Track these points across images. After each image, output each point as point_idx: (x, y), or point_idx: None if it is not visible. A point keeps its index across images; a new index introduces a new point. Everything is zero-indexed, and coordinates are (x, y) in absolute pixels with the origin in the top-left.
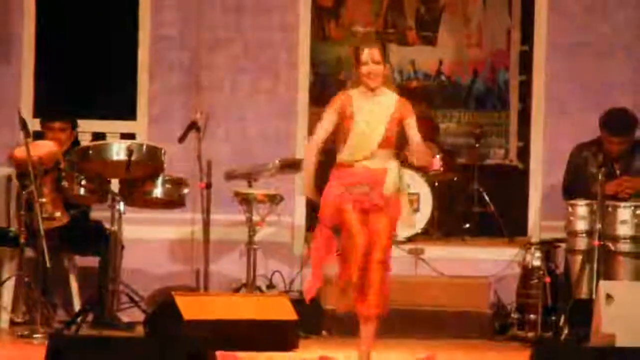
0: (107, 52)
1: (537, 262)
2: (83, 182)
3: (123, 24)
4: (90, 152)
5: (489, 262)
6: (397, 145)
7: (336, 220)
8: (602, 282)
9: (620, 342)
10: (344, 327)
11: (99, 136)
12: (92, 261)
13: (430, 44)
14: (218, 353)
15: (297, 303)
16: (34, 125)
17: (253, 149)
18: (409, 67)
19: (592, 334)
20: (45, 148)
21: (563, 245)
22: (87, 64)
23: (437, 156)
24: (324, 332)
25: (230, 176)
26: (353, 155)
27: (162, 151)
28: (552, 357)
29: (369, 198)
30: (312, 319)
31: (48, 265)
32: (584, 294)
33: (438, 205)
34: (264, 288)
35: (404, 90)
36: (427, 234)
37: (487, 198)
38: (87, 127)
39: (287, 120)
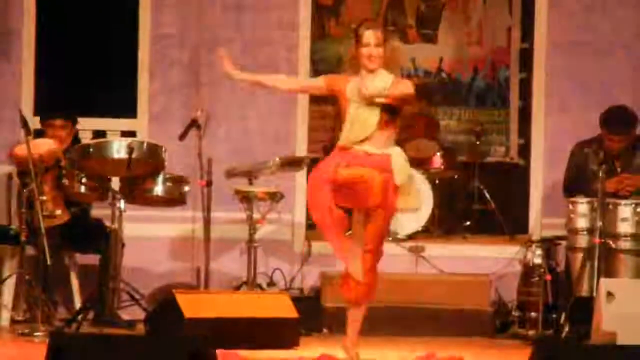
0: (107, 50)
1: (537, 260)
2: (84, 180)
3: (123, 22)
4: (91, 150)
5: (490, 259)
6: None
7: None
8: (602, 280)
9: (621, 340)
10: (345, 325)
11: (99, 134)
12: (93, 259)
13: (431, 42)
14: (219, 351)
15: (298, 301)
16: (35, 123)
17: (253, 147)
18: (409, 65)
19: (593, 332)
20: (45, 146)
21: (564, 242)
22: (88, 62)
23: (438, 154)
24: (324, 330)
25: (230, 174)
26: (351, 138)
27: (163, 149)
28: (553, 355)
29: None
30: (313, 316)
31: (49, 263)
32: (584, 291)
33: (439, 203)
34: (264, 286)
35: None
36: (428, 231)
37: (487, 196)
38: (87, 125)
39: (287, 118)
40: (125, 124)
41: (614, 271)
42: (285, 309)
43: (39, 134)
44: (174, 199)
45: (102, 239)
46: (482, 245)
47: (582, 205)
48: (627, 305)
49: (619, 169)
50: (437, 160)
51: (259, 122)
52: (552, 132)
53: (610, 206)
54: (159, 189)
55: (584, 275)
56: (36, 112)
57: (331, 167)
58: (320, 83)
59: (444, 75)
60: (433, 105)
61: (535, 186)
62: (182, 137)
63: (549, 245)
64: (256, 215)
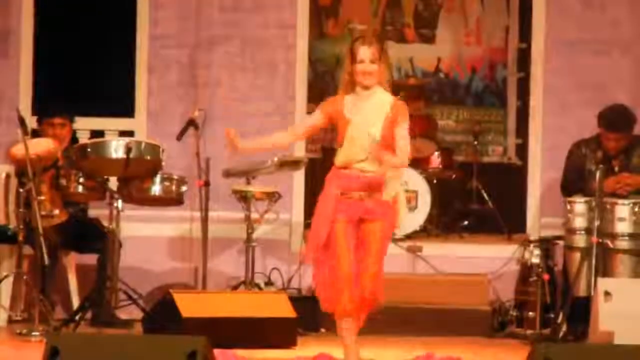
0: (105, 49)
1: (535, 260)
2: (81, 180)
3: (121, 22)
4: (89, 149)
5: (488, 259)
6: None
7: (327, 230)
8: (600, 280)
9: (619, 340)
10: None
11: (97, 133)
12: (91, 259)
13: (429, 42)
14: (216, 351)
15: (296, 300)
16: (33, 122)
17: None
18: (407, 65)
19: (591, 332)
20: (43, 146)
21: (561, 242)
22: (86, 61)
23: (436, 153)
24: (322, 330)
25: (228, 174)
26: (348, 158)
27: (161, 149)
28: (551, 354)
29: (364, 205)
30: (311, 316)
31: (46, 262)
32: (582, 291)
33: (436, 202)
34: (262, 285)
35: (403, 87)
36: (426, 231)
37: (485, 195)
38: (85, 125)
39: (285, 117)
40: (123, 123)
41: (612, 271)
42: (282, 308)
43: (36, 134)
44: (171, 199)
45: (100, 239)
46: (480, 245)
47: (580, 204)
48: (624, 304)
49: (616, 169)
50: (435, 160)
51: (257, 121)
52: (550, 131)
53: (608, 206)
54: (156, 189)
55: (582, 274)
56: (34, 111)
57: (331, 204)
58: (319, 118)
59: (441, 75)
60: (431, 105)
61: (533, 186)
62: (179, 136)
63: (546, 244)
64: (254, 215)
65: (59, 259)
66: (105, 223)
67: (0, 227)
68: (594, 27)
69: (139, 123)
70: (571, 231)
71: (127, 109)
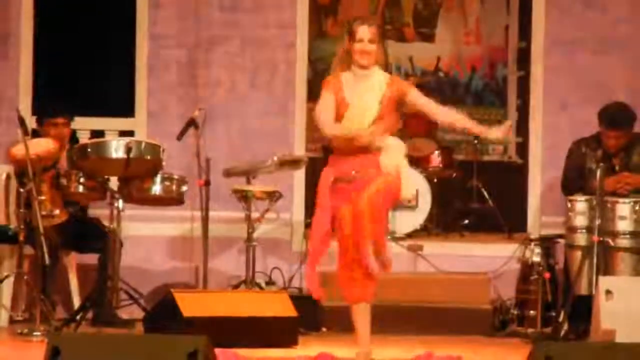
0: (105, 49)
1: (536, 258)
2: (82, 180)
3: (121, 22)
4: (89, 149)
5: (488, 258)
6: (394, 126)
7: (326, 221)
8: (601, 278)
9: (620, 338)
10: (344, 324)
11: (97, 133)
12: (91, 259)
13: (428, 41)
14: (217, 350)
15: (297, 299)
16: (33, 122)
17: (251, 146)
18: (407, 64)
19: (592, 330)
20: (43, 146)
21: (562, 241)
22: (85, 61)
23: (436, 152)
24: (323, 329)
25: (228, 173)
26: (345, 140)
27: (161, 148)
28: (552, 353)
29: (356, 182)
30: (312, 315)
31: (47, 262)
32: (583, 289)
33: (437, 201)
34: (263, 285)
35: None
36: (426, 230)
37: (486, 194)
38: (85, 125)
39: (285, 117)
40: (123, 123)
41: (613, 269)
42: (283, 308)
43: (36, 133)
44: (172, 199)
45: (101, 239)
46: (480, 244)
47: (581, 203)
48: (625, 303)
49: (617, 167)
50: (435, 159)
51: (257, 121)
52: (550, 130)
53: (609, 204)
54: (157, 189)
55: (583, 273)
56: (34, 111)
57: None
58: (333, 97)
59: (441, 74)
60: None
61: (533, 184)
62: (180, 136)
63: (547, 243)
64: (254, 214)
65: (59, 259)
66: (105, 223)
67: (0, 227)
68: (593, 26)
69: (139, 123)
70: (572, 230)
71: (127, 109)
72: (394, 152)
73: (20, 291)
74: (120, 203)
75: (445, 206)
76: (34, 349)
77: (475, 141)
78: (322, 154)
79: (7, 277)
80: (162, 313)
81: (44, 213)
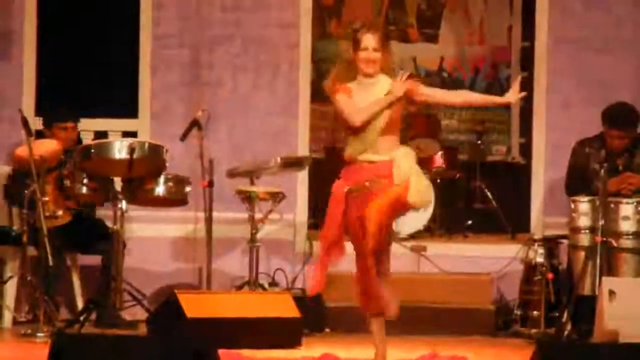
0: (108, 50)
1: (539, 259)
2: (85, 181)
3: (123, 22)
4: (92, 150)
5: (492, 258)
6: (402, 127)
7: (335, 232)
8: (604, 279)
9: (624, 338)
10: (347, 325)
11: (100, 134)
12: (95, 260)
13: (432, 41)
14: (221, 351)
15: (300, 300)
16: (36, 123)
17: (255, 147)
18: (410, 65)
19: (595, 330)
20: (47, 146)
21: (566, 241)
22: (88, 62)
23: (439, 153)
24: (327, 330)
25: (232, 174)
26: (356, 149)
27: (164, 149)
28: (556, 353)
29: (371, 192)
30: (315, 316)
31: (51, 264)
32: (586, 290)
33: (440, 202)
34: (266, 286)
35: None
36: (429, 231)
37: (489, 195)
38: (88, 126)
39: (289, 117)
40: (126, 124)
41: (616, 270)
42: (287, 308)
43: (40, 134)
44: (175, 199)
45: (104, 240)
46: (484, 244)
47: (584, 203)
48: (629, 303)
49: (620, 168)
50: (439, 160)
51: (260, 121)
52: (553, 130)
53: (612, 205)
54: (160, 190)
55: (586, 273)
56: (37, 112)
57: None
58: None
59: (445, 74)
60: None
61: (536, 185)
62: (183, 137)
63: (550, 244)
64: (258, 215)
65: (63, 260)
66: (109, 224)
67: (4, 228)
68: (596, 25)
69: (142, 124)
70: (575, 230)
71: (130, 110)
72: (405, 162)
73: (24, 292)
74: (123, 204)
75: (449, 207)
76: (37, 350)
77: (479, 142)
78: (325, 155)
79: (10, 278)
80: (166, 314)
81: (47, 214)
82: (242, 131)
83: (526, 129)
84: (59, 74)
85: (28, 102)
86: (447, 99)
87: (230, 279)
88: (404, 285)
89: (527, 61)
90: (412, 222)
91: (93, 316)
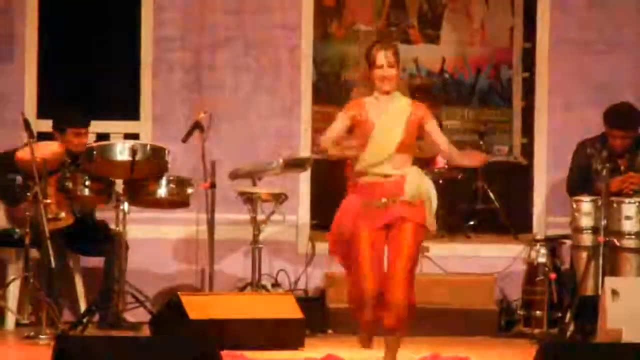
0: (109, 52)
1: (542, 259)
2: (87, 183)
3: (125, 24)
4: (94, 152)
5: (494, 259)
6: (414, 149)
7: (348, 246)
8: (607, 278)
9: (627, 338)
10: (350, 326)
11: (102, 137)
12: (98, 262)
13: (433, 42)
14: (224, 352)
15: (303, 301)
16: (38, 125)
17: (257, 148)
18: (412, 65)
19: (598, 330)
20: (49, 149)
21: (568, 241)
22: (90, 64)
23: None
24: (329, 331)
25: (234, 175)
26: (370, 162)
27: (166, 151)
28: (559, 354)
29: (390, 212)
30: (318, 317)
31: (53, 266)
32: (589, 290)
33: (442, 202)
34: (269, 287)
35: (408, 88)
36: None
37: (491, 195)
38: (90, 128)
39: (290, 119)
40: (128, 126)
41: (619, 269)
42: (290, 309)
43: (43, 137)
44: (177, 201)
45: (107, 242)
46: (486, 245)
47: (586, 203)
48: (632, 303)
49: (622, 168)
50: (441, 160)
51: (262, 123)
52: (555, 131)
53: (615, 204)
54: (162, 191)
55: (589, 273)
56: (44, 115)
57: (351, 216)
58: (347, 122)
59: (446, 75)
60: (436, 105)
61: (539, 185)
62: (185, 139)
63: (553, 244)
64: (260, 217)
65: (65, 262)
66: (111, 226)
67: (6, 230)
68: (598, 26)
69: (144, 126)
70: (578, 230)
71: (132, 112)
72: (419, 179)
73: (27, 295)
74: (125, 206)
75: (451, 207)
76: (40, 352)
77: (481, 142)
78: (327, 156)
79: (13, 280)
80: (169, 316)
81: (50, 216)
82: (244, 133)
83: (528, 130)
84: (60, 77)
85: (30, 105)
86: (438, 148)
87: (233, 280)
88: None
89: (528, 62)
90: None
91: (96, 318)
